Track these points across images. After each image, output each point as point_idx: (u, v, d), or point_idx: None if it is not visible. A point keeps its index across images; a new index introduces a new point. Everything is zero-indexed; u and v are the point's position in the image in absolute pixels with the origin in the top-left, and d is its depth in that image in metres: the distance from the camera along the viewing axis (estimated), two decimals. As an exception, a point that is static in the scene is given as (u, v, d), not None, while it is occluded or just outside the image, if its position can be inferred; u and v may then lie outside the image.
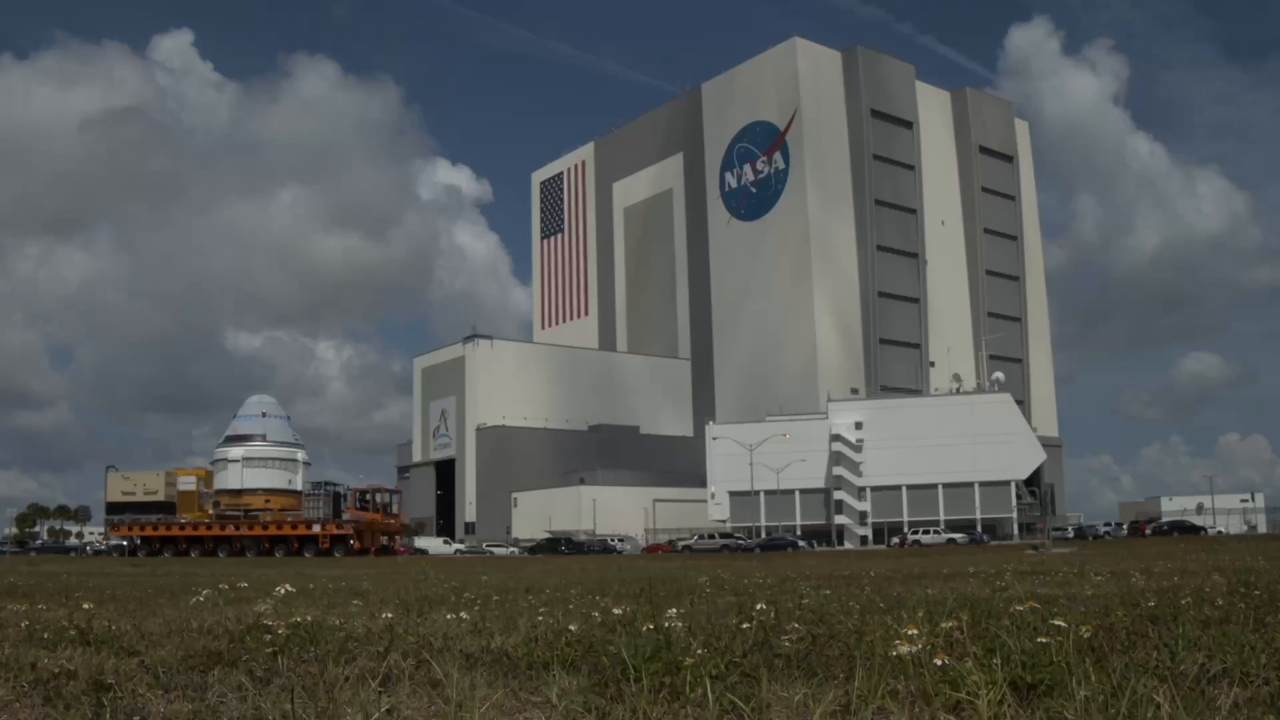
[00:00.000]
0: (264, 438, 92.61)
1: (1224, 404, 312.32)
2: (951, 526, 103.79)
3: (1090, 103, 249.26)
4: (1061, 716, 4.51)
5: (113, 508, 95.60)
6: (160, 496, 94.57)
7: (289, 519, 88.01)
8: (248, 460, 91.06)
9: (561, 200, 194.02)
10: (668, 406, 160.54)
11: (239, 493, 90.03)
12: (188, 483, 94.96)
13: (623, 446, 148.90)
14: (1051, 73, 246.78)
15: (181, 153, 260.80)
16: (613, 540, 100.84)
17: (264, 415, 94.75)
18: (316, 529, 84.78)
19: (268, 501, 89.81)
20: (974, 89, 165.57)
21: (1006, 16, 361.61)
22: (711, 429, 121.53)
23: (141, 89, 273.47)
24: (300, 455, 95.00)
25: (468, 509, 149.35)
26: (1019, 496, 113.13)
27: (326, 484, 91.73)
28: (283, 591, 11.45)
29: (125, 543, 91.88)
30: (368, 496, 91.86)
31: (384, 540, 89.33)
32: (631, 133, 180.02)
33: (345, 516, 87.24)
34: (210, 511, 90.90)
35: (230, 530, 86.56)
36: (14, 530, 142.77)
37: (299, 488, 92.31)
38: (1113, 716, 4.39)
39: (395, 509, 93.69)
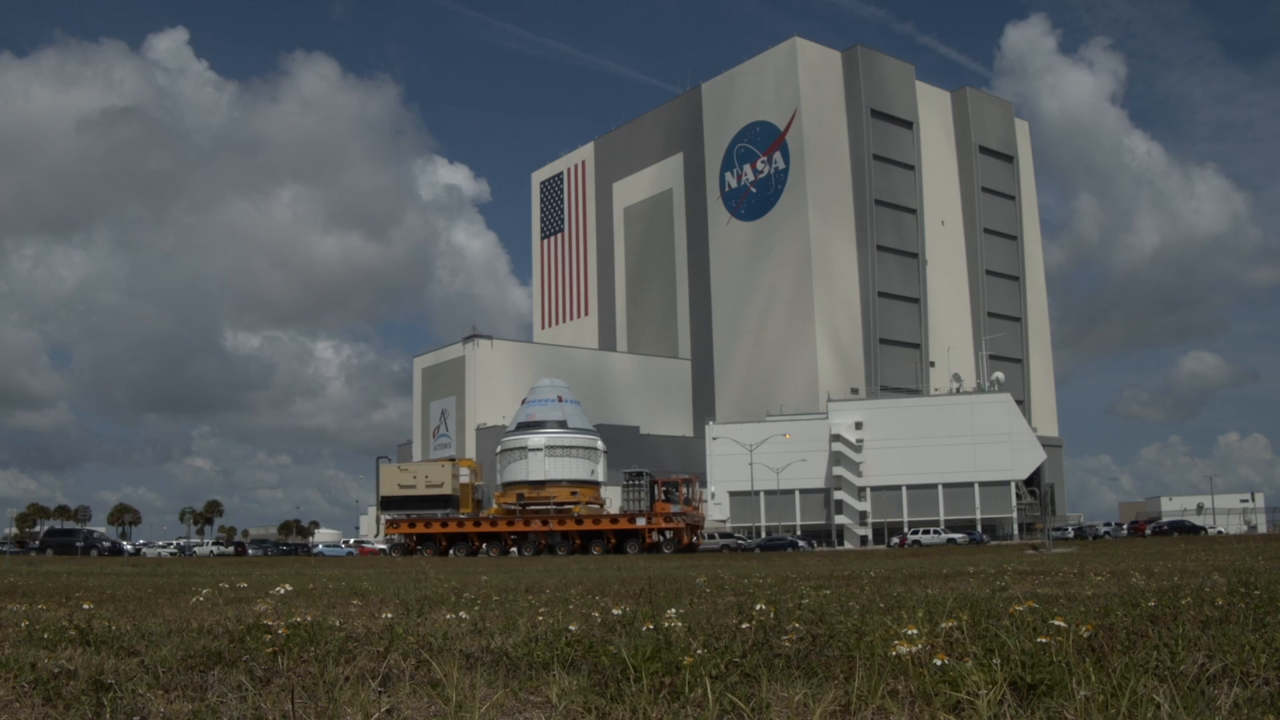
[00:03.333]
0: (564, 424, 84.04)
1: (1224, 404, 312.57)
2: (951, 526, 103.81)
3: (1088, 101, 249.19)
4: (1061, 716, 4.51)
5: (387, 503, 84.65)
6: (447, 489, 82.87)
7: (606, 512, 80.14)
8: (550, 449, 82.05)
9: (561, 200, 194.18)
10: (668, 406, 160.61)
11: (541, 484, 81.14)
12: (462, 474, 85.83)
13: (623, 446, 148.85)
14: (1048, 71, 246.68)
15: (180, 152, 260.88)
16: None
17: (560, 400, 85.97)
18: (641, 523, 75.98)
19: (574, 494, 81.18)
20: (974, 89, 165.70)
21: (1008, 16, 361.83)
22: (711, 429, 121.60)
23: (139, 88, 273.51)
24: (599, 444, 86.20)
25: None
26: (1019, 496, 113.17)
27: (644, 473, 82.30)
28: (283, 591, 11.46)
29: (402, 541, 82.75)
30: (669, 488, 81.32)
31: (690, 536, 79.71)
32: (631, 133, 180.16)
33: (675, 509, 78.21)
34: (504, 505, 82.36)
35: (536, 525, 77.95)
36: (15, 530, 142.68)
37: (600, 478, 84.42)
38: (1113, 716, 4.39)
39: (697, 501, 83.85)
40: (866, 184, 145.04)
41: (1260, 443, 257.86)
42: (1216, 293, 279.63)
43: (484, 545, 79.37)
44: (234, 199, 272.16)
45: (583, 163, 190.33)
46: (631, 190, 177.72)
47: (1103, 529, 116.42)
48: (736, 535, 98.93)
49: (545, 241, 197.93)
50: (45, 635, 8.24)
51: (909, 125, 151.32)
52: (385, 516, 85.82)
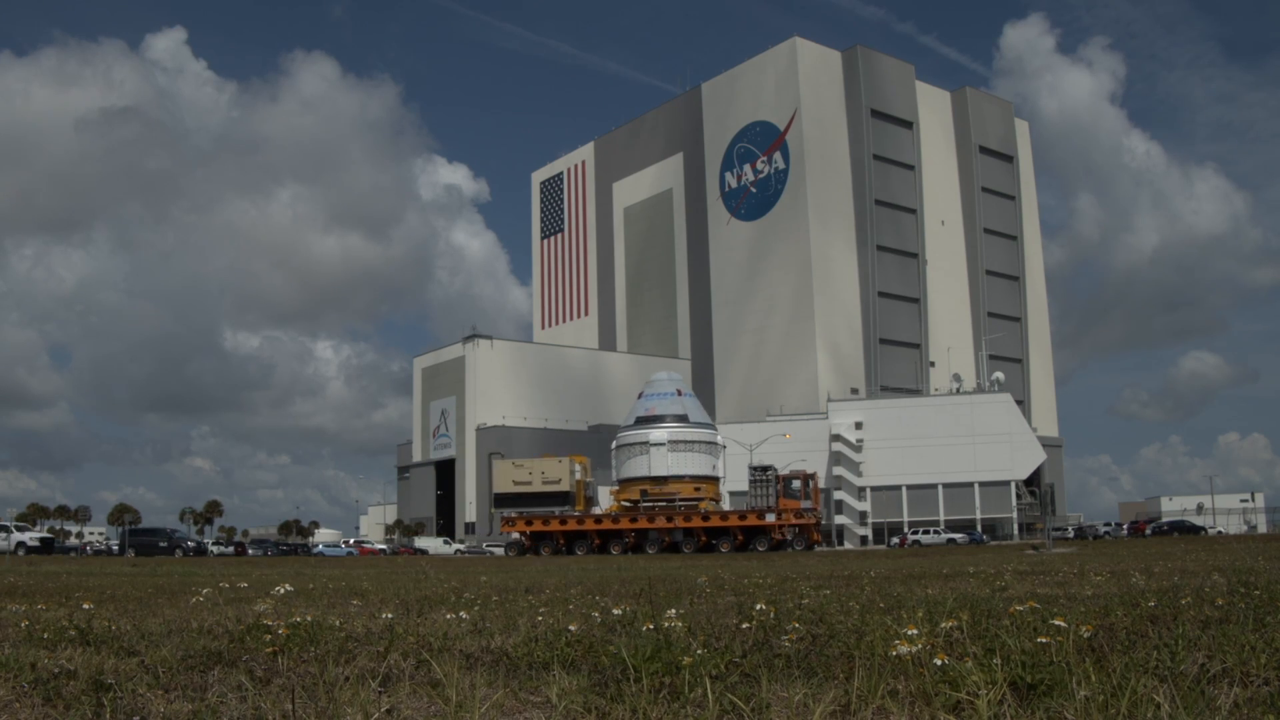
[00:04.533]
0: (685, 418, 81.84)
1: (1224, 404, 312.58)
2: (951, 526, 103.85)
3: (1086, 101, 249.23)
4: (1061, 716, 4.51)
5: (501, 500, 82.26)
6: (564, 485, 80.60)
7: (732, 509, 77.99)
8: (673, 444, 79.68)
9: (561, 200, 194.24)
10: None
11: (663, 480, 78.93)
12: (575, 470, 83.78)
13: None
14: (1047, 71, 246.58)
15: (179, 152, 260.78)
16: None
17: (679, 393, 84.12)
18: (770, 519, 73.26)
19: (697, 489, 78.81)
20: (974, 89, 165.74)
21: (1008, 15, 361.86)
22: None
23: (139, 88, 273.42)
24: (719, 438, 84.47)
25: (468, 509, 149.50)
26: (1019, 496, 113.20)
27: (770, 467, 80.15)
28: (283, 591, 11.47)
29: (519, 539, 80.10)
30: (787, 483, 78.07)
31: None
32: (631, 133, 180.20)
33: (806, 504, 75.89)
34: (623, 502, 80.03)
35: (661, 522, 74.98)
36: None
37: (720, 474, 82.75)
38: (1113, 716, 4.39)
39: (815, 497, 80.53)
40: (866, 184, 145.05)
41: (1260, 443, 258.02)
42: (1216, 293, 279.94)
43: (603, 543, 76.39)
44: (233, 199, 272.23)
45: (583, 163, 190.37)
46: (631, 190, 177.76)
47: (1103, 529, 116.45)
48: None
49: (545, 241, 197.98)
50: (45, 635, 8.23)
51: (909, 125, 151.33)
52: (501, 514, 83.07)
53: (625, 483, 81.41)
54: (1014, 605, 8.12)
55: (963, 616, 7.76)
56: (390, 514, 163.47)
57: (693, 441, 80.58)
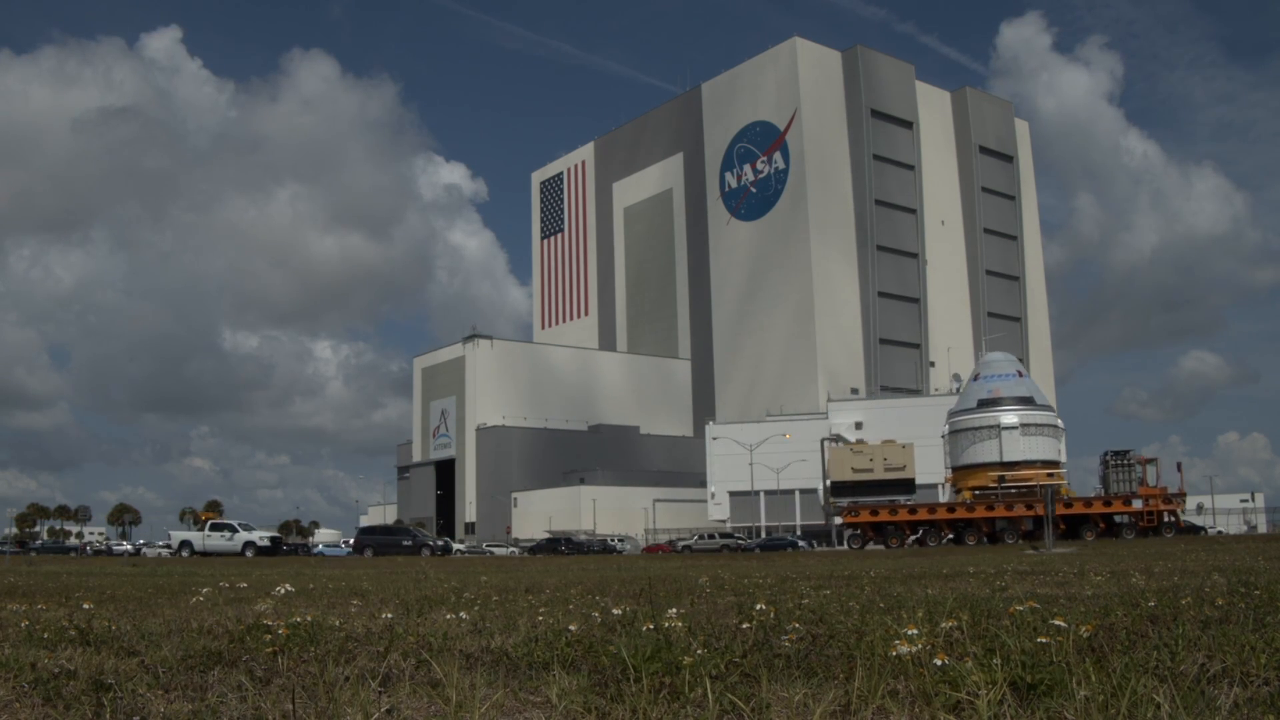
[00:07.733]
0: (1030, 401, 78.44)
1: (1224, 404, 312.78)
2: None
3: (1085, 100, 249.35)
4: (1061, 716, 4.51)
5: (839, 489, 78.66)
6: (908, 472, 77.03)
7: (1093, 496, 74.14)
8: (1024, 428, 76.34)
9: (561, 200, 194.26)
10: (668, 407, 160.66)
11: (1015, 465, 75.31)
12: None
13: (623, 446, 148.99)
14: (1044, 70, 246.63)
15: (178, 151, 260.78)
16: (613, 540, 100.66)
17: (1019, 374, 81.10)
18: (1137, 504, 69.64)
19: (1050, 475, 75.11)
20: (974, 89, 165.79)
21: (1009, 15, 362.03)
22: (711, 429, 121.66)
23: (138, 87, 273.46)
24: (1060, 422, 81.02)
25: (468, 509, 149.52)
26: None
27: (1128, 452, 76.17)
28: (283, 591, 11.48)
29: (858, 532, 75.29)
30: (1135, 468, 74.47)
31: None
32: (631, 133, 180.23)
33: (1172, 490, 72.61)
34: (973, 489, 75.90)
35: (1020, 510, 70.50)
36: (15, 530, 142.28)
37: (1063, 458, 79.80)
38: (1113, 716, 4.39)
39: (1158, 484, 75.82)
40: (866, 184, 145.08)
41: (1260, 443, 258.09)
42: (1216, 292, 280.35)
43: (953, 533, 72.13)
44: (232, 198, 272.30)
45: (583, 163, 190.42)
46: (632, 190, 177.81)
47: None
48: (736, 535, 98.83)
49: (545, 241, 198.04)
50: (45, 635, 8.22)
51: (909, 125, 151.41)
52: (837, 504, 79.03)
53: (968, 469, 77.24)
54: (1014, 605, 8.12)
55: (963, 616, 7.76)
56: (390, 514, 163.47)
57: (1042, 425, 77.49)
